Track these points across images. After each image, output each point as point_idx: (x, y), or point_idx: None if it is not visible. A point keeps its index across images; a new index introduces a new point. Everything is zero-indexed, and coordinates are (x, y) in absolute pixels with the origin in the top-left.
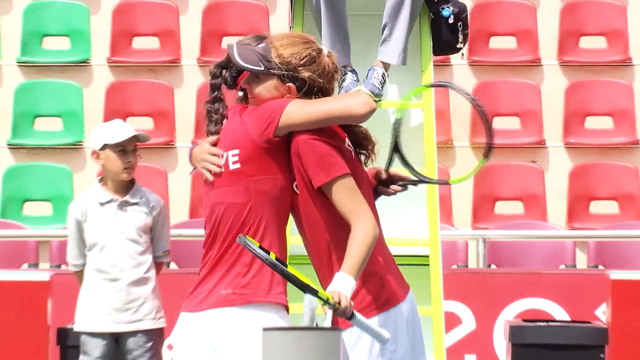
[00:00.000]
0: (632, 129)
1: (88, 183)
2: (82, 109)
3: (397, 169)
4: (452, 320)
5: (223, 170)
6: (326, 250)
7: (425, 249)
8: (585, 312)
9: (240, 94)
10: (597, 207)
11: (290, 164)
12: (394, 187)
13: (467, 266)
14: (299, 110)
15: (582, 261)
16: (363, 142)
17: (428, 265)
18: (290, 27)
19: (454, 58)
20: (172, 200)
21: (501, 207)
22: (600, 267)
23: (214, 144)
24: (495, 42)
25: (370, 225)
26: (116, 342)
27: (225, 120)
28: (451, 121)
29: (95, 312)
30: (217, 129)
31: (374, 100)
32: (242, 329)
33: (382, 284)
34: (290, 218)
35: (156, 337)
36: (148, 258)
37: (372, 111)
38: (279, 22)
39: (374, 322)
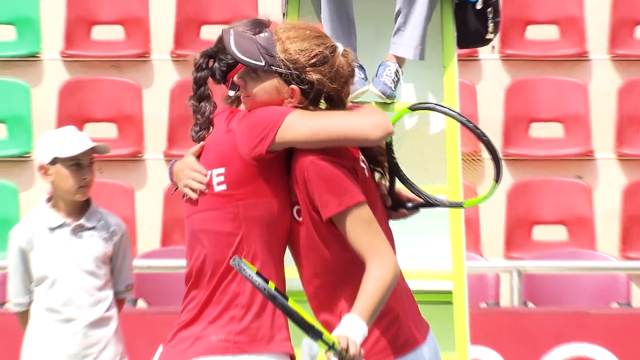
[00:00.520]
0: None
1: (38, 203)
2: (30, 113)
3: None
4: None
5: (207, 190)
6: (331, 288)
7: (447, 283)
8: None
9: (231, 93)
10: None
11: (290, 182)
12: (402, 211)
13: (498, 304)
14: (301, 125)
15: (638, 299)
16: (379, 158)
17: (451, 303)
18: (284, 14)
19: (483, 51)
20: (141, 223)
21: (540, 233)
22: None
23: (199, 155)
24: (534, 32)
25: (389, 264)
26: None
27: (211, 125)
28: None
29: None
30: (202, 135)
31: (386, 103)
32: None
33: (398, 323)
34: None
35: None
36: (108, 294)
37: (387, 135)
38: (270, 9)
39: None
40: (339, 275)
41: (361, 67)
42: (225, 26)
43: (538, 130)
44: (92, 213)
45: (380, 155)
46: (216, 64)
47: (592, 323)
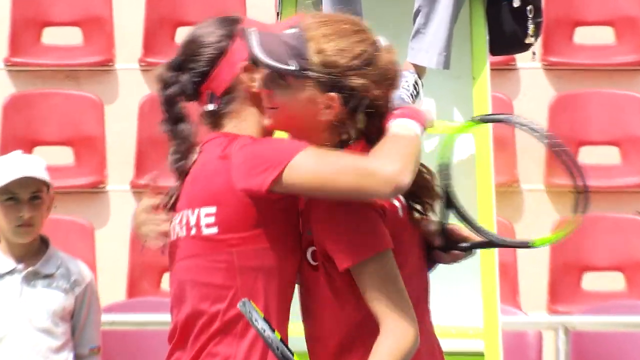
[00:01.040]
0: None
1: None
2: None
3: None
4: None
5: (194, 232)
6: (338, 349)
7: (478, 342)
8: None
9: (211, 107)
10: None
11: (302, 219)
12: (455, 252)
13: None
14: (309, 170)
15: None
16: (420, 192)
17: None
18: (278, 14)
19: (522, 58)
20: (103, 269)
21: (591, 281)
22: None
23: (158, 192)
24: (583, 35)
25: (407, 335)
26: None
27: (196, 152)
28: (517, 153)
29: None
30: (184, 166)
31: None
32: None
33: None
34: None
35: None
36: (67, 357)
37: (398, 193)
38: (260, 6)
39: None
40: (351, 335)
41: None
42: (191, 28)
43: (588, 155)
44: (50, 258)
45: (424, 190)
46: (185, 76)
47: None
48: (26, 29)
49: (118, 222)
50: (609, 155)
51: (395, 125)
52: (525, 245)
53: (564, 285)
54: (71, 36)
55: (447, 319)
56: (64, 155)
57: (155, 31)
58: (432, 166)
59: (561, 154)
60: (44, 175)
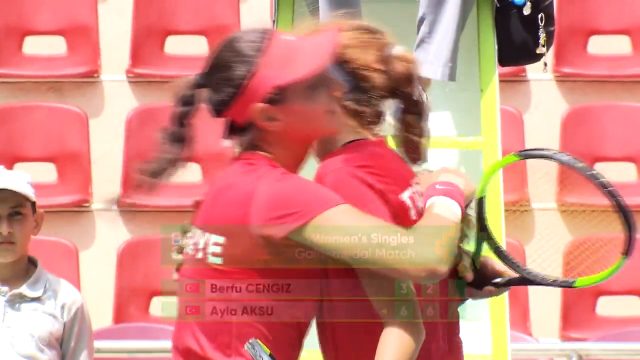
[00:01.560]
0: None
1: None
2: None
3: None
4: None
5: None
6: None
7: None
8: None
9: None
10: None
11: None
12: (488, 288)
13: None
14: (340, 227)
15: None
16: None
17: None
18: (274, 22)
19: (533, 70)
20: (87, 293)
21: (607, 306)
22: None
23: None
24: (598, 45)
25: (412, 328)
26: None
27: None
28: (527, 170)
29: None
30: (155, 182)
31: None
32: None
33: None
34: None
35: None
36: None
37: (433, 278)
38: (255, 15)
39: None
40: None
41: None
42: (189, 38)
43: (604, 172)
44: (38, 280)
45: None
46: (212, 94)
47: None
48: (7, 38)
49: (103, 243)
50: (625, 172)
51: (439, 205)
52: (567, 284)
53: (577, 310)
54: (54, 45)
55: None
56: (46, 172)
57: (144, 40)
58: None
59: (615, 195)
60: (25, 189)
